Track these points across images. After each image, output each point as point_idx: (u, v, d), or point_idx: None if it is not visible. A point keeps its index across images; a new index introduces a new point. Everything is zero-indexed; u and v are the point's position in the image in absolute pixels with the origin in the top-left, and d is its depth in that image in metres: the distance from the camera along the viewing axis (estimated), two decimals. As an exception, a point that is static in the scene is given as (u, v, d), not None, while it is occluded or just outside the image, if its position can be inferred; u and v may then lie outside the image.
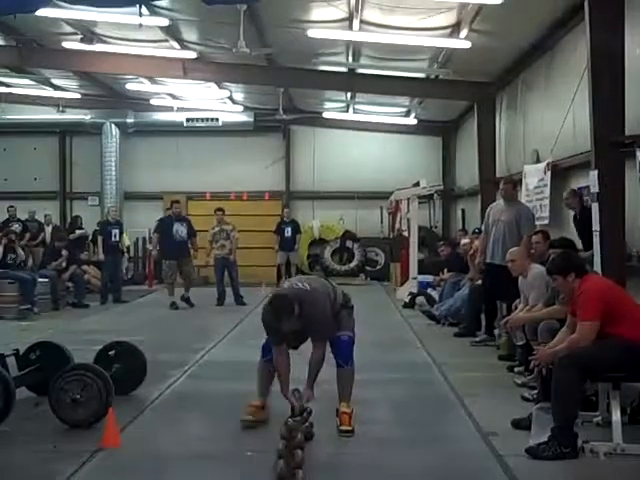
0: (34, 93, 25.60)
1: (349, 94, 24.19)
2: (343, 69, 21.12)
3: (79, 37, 18.27)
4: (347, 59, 19.79)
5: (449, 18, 15.52)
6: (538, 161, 16.41)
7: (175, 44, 18.92)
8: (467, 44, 15.94)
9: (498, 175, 19.37)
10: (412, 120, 27.16)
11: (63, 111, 27.68)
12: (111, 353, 9.18)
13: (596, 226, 11.02)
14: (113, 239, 20.46)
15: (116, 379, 8.09)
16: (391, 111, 26.74)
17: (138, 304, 20.34)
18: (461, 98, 22.29)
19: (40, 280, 18.08)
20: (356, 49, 18.75)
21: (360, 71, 21.03)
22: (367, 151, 28.13)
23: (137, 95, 25.95)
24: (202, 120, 27.32)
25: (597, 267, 10.70)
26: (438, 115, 26.99)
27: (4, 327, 15.62)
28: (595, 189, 11.13)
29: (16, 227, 22.30)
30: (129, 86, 24.30)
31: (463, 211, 26.01)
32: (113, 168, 27.21)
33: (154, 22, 16.46)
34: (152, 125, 27.84)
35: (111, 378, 7.85)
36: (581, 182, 14.04)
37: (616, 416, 6.94)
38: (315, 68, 20.48)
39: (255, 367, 8.15)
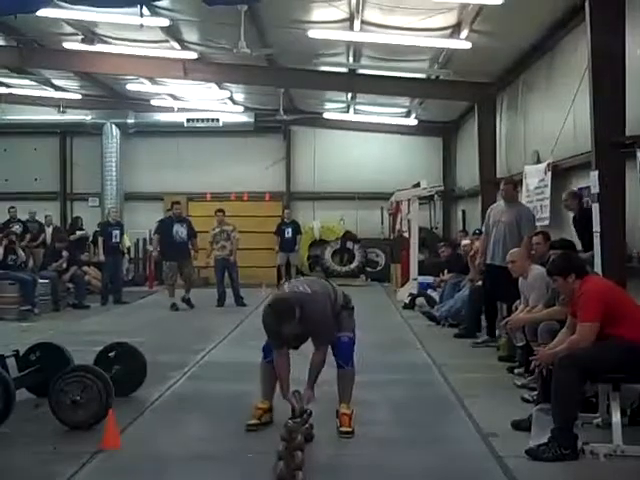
0: (35, 94, 25.61)
1: (350, 95, 24.21)
2: (344, 70, 21.13)
3: (80, 37, 18.27)
4: (348, 60, 19.81)
5: (449, 19, 15.53)
6: (539, 162, 16.40)
7: (176, 44, 18.93)
8: (467, 45, 15.94)
9: (499, 176, 19.36)
10: (412, 121, 27.17)
11: (64, 112, 27.68)
12: (111, 354, 9.17)
13: (597, 227, 11.02)
14: (113, 240, 20.47)
15: (116, 380, 8.08)
16: (391, 112, 26.75)
17: (138, 305, 20.34)
18: (461, 99, 22.30)
19: (40, 281, 18.09)
20: (357, 49, 18.76)
21: (361, 72, 21.03)
22: (367, 152, 28.13)
23: (138, 96, 25.96)
24: (202, 121, 27.34)
25: (597, 268, 10.69)
26: (438, 116, 27.00)
27: (4, 328, 15.62)
28: (596, 190, 11.13)
29: (17, 228, 22.29)
30: (130, 87, 24.31)
31: (464, 212, 26.01)
32: (113, 169, 27.24)
33: (155, 22, 16.47)
34: (153, 126, 27.86)
35: (111, 379, 7.85)
36: (581, 183, 14.04)
37: (616, 417, 6.93)
38: (316, 69, 20.48)
39: (255, 368, 8.15)
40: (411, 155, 28.22)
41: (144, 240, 26.67)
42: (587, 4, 11.50)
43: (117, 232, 20.65)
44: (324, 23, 16.38)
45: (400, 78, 20.68)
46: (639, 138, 11.01)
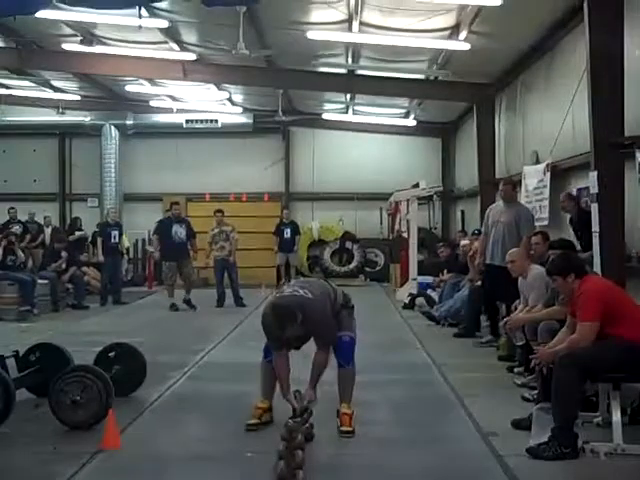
0: (34, 95, 25.61)
1: (348, 95, 24.23)
2: (343, 71, 21.12)
3: (79, 39, 18.27)
4: (347, 61, 19.82)
5: (448, 20, 15.54)
6: (538, 162, 16.42)
7: (175, 46, 18.93)
8: (466, 46, 15.96)
9: (498, 176, 19.38)
10: (411, 121, 27.19)
11: (63, 113, 27.67)
12: (111, 355, 9.17)
13: (596, 227, 11.03)
14: (113, 240, 20.46)
15: (116, 381, 8.08)
16: (390, 112, 26.77)
17: (138, 305, 20.33)
18: (460, 99, 22.32)
19: (40, 282, 18.08)
20: (356, 51, 18.77)
21: (360, 72, 21.02)
22: (366, 152, 28.16)
23: (137, 97, 25.96)
24: (201, 122, 27.38)
25: (597, 268, 10.71)
26: (437, 116, 27.03)
27: (4, 328, 15.61)
28: (595, 190, 11.14)
29: (17, 229, 22.28)
30: (129, 88, 24.32)
31: (462, 212, 26.04)
32: (112, 170, 27.28)
33: (154, 24, 16.47)
34: (152, 127, 27.90)
35: (111, 380, 7.85)
36: (581, 183, 14.06)
37: (616, 416, 6.94)
38: (314, 70, 20.50)
39: (255, 368, 8.15)
40: (410, 156, 28.24)
41: (143, 240, 26.72)
42: (586, 5, 11.52)
43: (116, 233, 20.63)
44: (323, 24, 16.39)
45: (399, 79, 20.72)
46: (638, 139, 11.03)
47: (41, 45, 19.90)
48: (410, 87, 21.43)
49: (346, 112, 27.02)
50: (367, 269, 27.62)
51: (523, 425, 7.46)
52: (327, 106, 26.66)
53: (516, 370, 10.37)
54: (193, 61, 19.73)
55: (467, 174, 23.83)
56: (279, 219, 25.24)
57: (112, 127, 27.23)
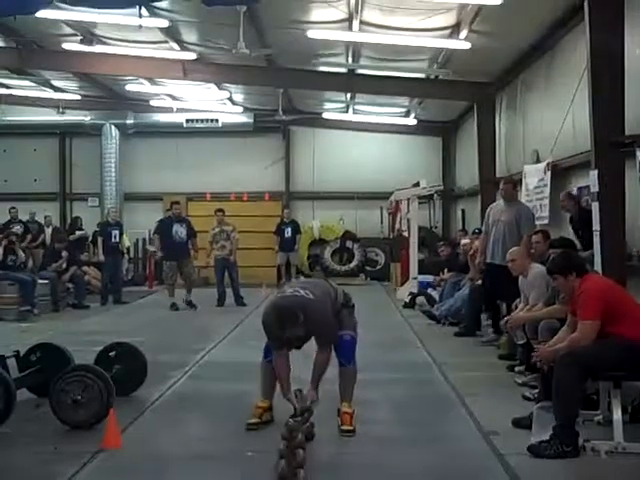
0: (34, 94, 25.62)
1: (349, 95, 24.23)
2: (343, 70, 21.12)
3: (79, 38, 18.27)
4: (347, 60, 19.82)
5: (449, 19, 15.54)
6: (538, 161, 16.42)
7: (175, 45, 18.93)
8: (467, 45, 15.96)
9: (498, 175, 19.39)
10: (412, 120, 27.19)
11: (63, 112, 27.71)
12: (112, 354, 9.17)
13: (596, 226, 11.04)
14: (113, 240, 20.46)
15: (117, 380, 8.08)
16: (391, 111, 26.77)
17: (138, 305, 20.34)
18: (461, 98, 22.31)
19: (40, 281, 18.08)
20: (356, 50, 18.76)
21: (360, 72, 21.03)
22: (367, 151, 28.15)
23: (137, 96, 25.97)
24: (202, 121, 27.38)
25: (597, 267, 10.72)
26: (438, 115, 27.02)
27: (4, 329, 15.60)
28: (595, 189, 11.14)
29: (17, 229, 22.28)
30: (129, 87, 24.32)
31: (463, 211, 26.05)
32: (113, 169, 27.29)
33: (154, 23, 16.48)
34: (152, 126, 27.90)
35: (112, 379, 7.85)
36: (581, 182, 14.07)
37: (617, 415, 6.94)
38: (315, 69, 20.50)
39: (255, 368, 8.14)
40: (410, 155, 28.23)
41: (144, 240, 26.73)
42: (586, 4, 11.52)
43: (116, 232, 20.64)
44: (323, 23, 16.39)
45: (399, 78, 20.70)
46: (638, 137, 11.04)
47: (41, 45, 19.90)
48: (410, 86, 21.43)
49: (346, 111, 27.01)
50: (368, 268, 27.62)
51: (524, 424, 7.46)
52: (327, 105, 26.65)
53: (517, 369, 10.37)
54: (193, 60, 19.73)
55: (468, 173, 23.84)
56: (280, 218, 25.31)
57: (112, 126, 27.24)
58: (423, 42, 16.67)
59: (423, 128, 27.93)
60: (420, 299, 18.69)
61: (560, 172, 15.24)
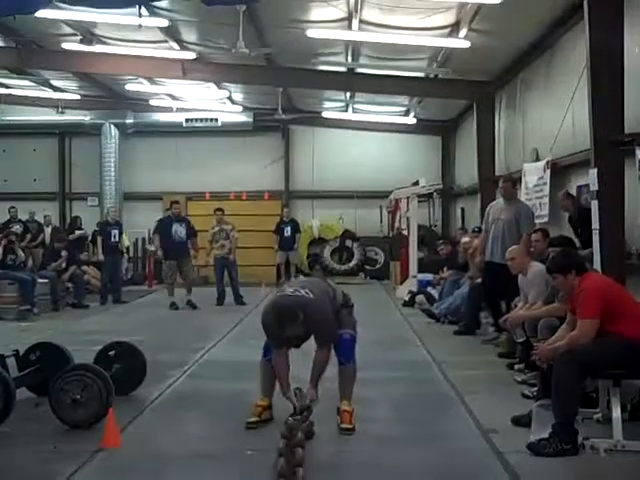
0: (34, 94, 25.62)
1: (348, 94, 24.21)
2: (342, 69, 21.13)
3: (78, 38, 18.27)
4: (346, 59, 19.80)
5: (448, 18, 15.54)
6: (538, 159, 16.42)
7: (174, 45, 18.94)
8: (466, 43, 15.96)
9: (497, 174, 19.37)
10: (411, 119, 27.20)
11: (62, 112, 27.71)
12: (111, 353, 9.18)
13: (596, 224, 11.03)
14: (113, 239, 20.46)
15: (116, 379, 8.08)
16: (390, 110, 26.77)
17: (138, 304, 20.34)
18: (460, 97, 22.31)
19: (40, 281, 18.08)
20: (355, 49, 18.76)
21: (359, 71, 21.03)
22: (366, 150, 28.17)
23: (136, 96, 25.96)
24: (201, 120, 27.38)
25: (597, 265, 10.71)
26: (437, 114, 27.02)
27: (4, 328, 15.60)
28: (595, 187, 11.14)
29: (17, 228, 22.30)
30: (128, 87, 24.31)
31: (462, 210, 26.04)
32: (112, 169, 27.29)
33: (153, 23, 16.48)
34: (151, 126, 27.89)
35: (111, 378, 7.85)
36: (580, 180, 14.07)
37: (616, 413, 6.94)
38: (314, 68, 20.49)
39: (255, 366, 8.14)
40: (410, 153, 28.24)
41: (143, 239, 26.75)
42: (585, 2, 11.51)
43: (116, 232, 20.63)
44: (323, 22, 16.38)
45: (399, 77, 20.69)
46: (638, 136, 11.04)
47: (41, 44, 19.89)
48: (410, 85, 21.41)
49: (346, 110, 27.00)
50: (367, 267, 27.63)
51: (523, 422, 7.47)
52: (327, 104, 26.65)
53: (516, 367, 10.37)
54: (193, 60, 19.72)
55: (467, 172, 23.83)
56: (279, 217, 25.31)
57: (112, 126, 27.24)
58: (423, 41, 16.67)
59: (422, 127, 27.94)
60: (420, 298, 18.68)
61: (560, 170, 15.24)
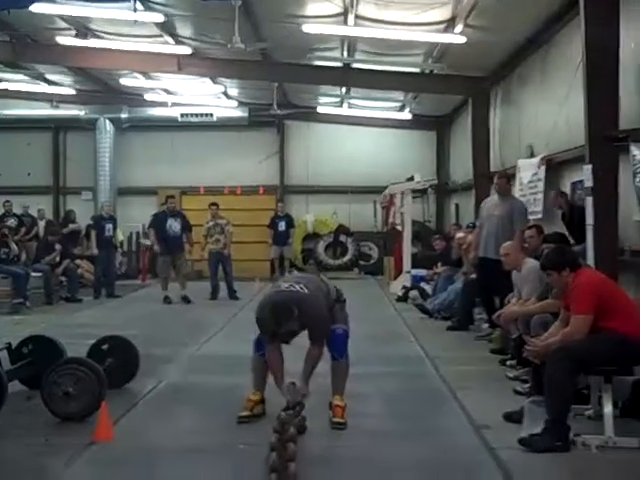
0: (28, 89, 25.53)
1: (344, 89, 24.21)
2: (338, 64, 21.09)
3: (73, 32, 18.26)
4: (342, 54, 19.80)
5: (444, 13, 15.54)
6: (532, 155, 16.42)
7: (170, 39, 18.92)
8: (462, 39, 15.95)
9: (492, 169, 19.37)
10: (406, 115, 27.18)
11: (57, 106, 27.63)
12: (104, 347, 9.18)
13: (590, 220, 11.03)
14: (107, 234, 20.44)
15: (109, 373, 8.10)
16: (385, 106, 26.75)
17: (131, 298, 20.34)
18: (456, 93, 22.31)
19: (33, 274, 18.08)
20: (351, 44, 18.75)
21: (355, 66, 21.00)
22: (361, 146, 28.17)
23: (131, 90, 25.92)
24: (196, 115, 27.31)
25: (590, 261, 10.71)
26: (432, 110, 27.02)
27: (-3, 321, 15.62)
28: (589, 183, 11.13)
29: (12, 222, 22.27)
30: (123, 81, 24.23)
31: (457, 205, 26.04)
32: (107, 163, 27.21)
33: (149, 18, 16.45)
34: (147, 120, 27.82)
35: (104, 372, 7.85)
36: (575, 176, 14.08)
37: (608, 409, 6.95)
38: (310, 63, 20.43)
39: (248, 361, 8.13)
40: (405, 149, 28.23)
41: (137, 234, 26.74)
42: (581, -3, 11.51)
43: (110, 226, 20.62)
44: (318, 18, 16.37)
45: (394, 72, 20.69)
46: (633, 132, 11.05)
47: (35, 39, 19.82)
48: (405, 80, 21.39)
49: (341, 105, 27.01)
50: (361, 262, 27.67)
51: (515, 418, 7.46)
52: (322, 99, 26.66)
53: (508, 363, 10.37)
54: (188, 55, 19.68)
55: (462, 167, 23.84)
56: (274, 212, 25.33)
57: (107, 121, 27.15)
58: (418, 36, 16.68)
59: (418, 122, 27.94)
60: (413, 293, 18.69)
61: (554, 166, 15.25)
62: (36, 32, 19.20)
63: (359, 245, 27.62)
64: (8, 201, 23.81)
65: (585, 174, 11.30)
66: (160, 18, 16.44)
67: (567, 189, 14.58)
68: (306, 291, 7.59)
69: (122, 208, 26.80)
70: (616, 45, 11.08)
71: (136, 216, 26.33)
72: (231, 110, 27.53)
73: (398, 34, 16.50)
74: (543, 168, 15.29)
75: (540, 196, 15.27)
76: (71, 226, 23.78)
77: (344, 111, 27.31)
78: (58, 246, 19.63)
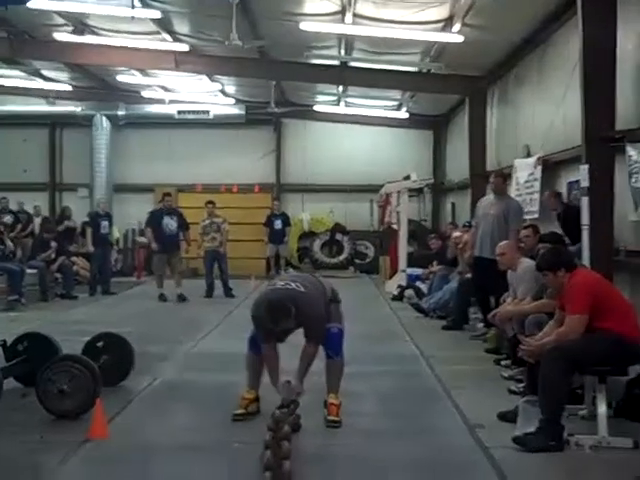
0: (24, 85, 25.46)
1: (341, 87, 24.19)
2: (335, 62, 21.07)
3: (70, 29, 18.24)
4: (339, 52, 19.79)
5: (442, 12, 15.53)
6: (529, 155, 16.42)
7: (167, 36, 18.90)
8: (460, 38, 15.93)
9: (488, 169, 19.38)
10: (403, 114, 27.17)
11: (53, 103, 27.59)
12: (99, 344, 9.18)
13: (585, 220, 11.03)
14: (102, 231, 20.43)
15: (104, 370, 8.11)
16: (383, 104, 26.75)
17: (126, 296, 20.34)
18: (453, 92, 22.31)
19: (29, 271, 18.07)
20: (348, 42, 18.74)
21: (352, 64, 20.98)
22: (358, 144, 28.17)
23: (128, 87, 25.88)
24: (193, 113, 27.31)
25: (585, 261, 10.70)
26: (429, 109, 27.02)
27: (-8, 318, 15.60)
28: (585, 184, 11.12)
29: (8, 219, 22.26)
30: (120, 78, 24.18)
31: (453, 205, 26.03)
32: (103, 160, 27.18)
33: (146, 14, 16.42)
34: (143, 117, 27.80)
35: (99, 369, 7.85)
36: (571, 176, 14.08)
37: (602, 409, 6.96)
38: (307, 61, 20.41)
39: (243, 358, 8.13)
40: (402, 148, 28.23)
41: (133, 231, 26.73)
42: (579, -3, 11.52)
43: (106, 223, 20.63)
44: (316, 16, 16.35)
45: (392, 71, 20.69)
46: (629, 132, 11.04)
47: (33, 35, 19.77)
48: (403, 79, 21.39)
49: (338, 104, 27.00)
50: (357, 261, 27.69)
51: (509, 417, 7.48)
52: (319, 98, 26.63)
53: (503, 363, 10.40)
54: (185, 52, 19.63)
55: (458, 166, 23.82)
56: (270, 210, 25.33)
57: (103, 117, 27.14)
58: (416, 35, 16.63)
59: (414, 121, 27.94)
60: (409, 292, 18.72)
61: (550, 166, 15.24)
62: (33, 28, 19.17)
63: (355, 244, 27.66)
64: (4, 197, 23.80)
65: (581, 174, 11.28)
66: (157, 15, 16.42)
67: (563, 189, 14.59)
68: (302, 289, 7.60)
69: (118, 205, 26.77)
70: (613, 45, 11.08)
71: (132, 213, 26.35)
72: (228, 108, 27.52)
73: (396, 33, 16.48)
74: (539, 168, 15.28)
75: (536, 196, 15.27)
76: (66, 223, 23.74)
77: (341, 109, 27.31)
78: (54, 243, 19.61)
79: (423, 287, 17.95)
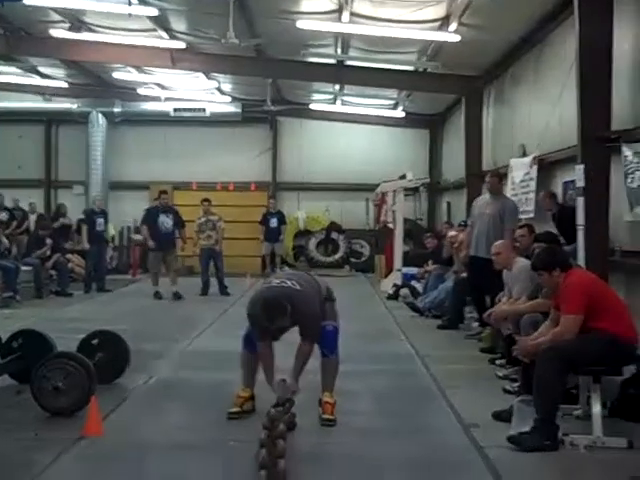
0: (20, 81, 25.43)
1: (337, 86, 24.17)
2: (332, 61, 21.08)
3: (67, 26, 18.21)
4: (336, 51, 19.76)
5: (439, 11, 15.53)
6: (525, 155, 16.42)
7: (164, 34, 18.88)
8: (456, 37, 15.94)
9: (484, 168, 19.38)
10: (400, 113, 27.17)
11: (49, 99, 27.55)
12: (94, 342, 9.18)
13: (581, 220, 11.05)
14: (98, 228, 20.39)
15: (99, 368, 8.10)
16: (379, 103, 26.75)
17: (122, 293, 20.31)
18: (449, 91, 22.30)
19: (24, 268, 18.03)
20: (345, 41, 18.73)
21: (349, 63, 20.98)
22: (354, 143, 28.14)
23: (124, 84, 25.86)
24: (190, 110, 27.27)
25: (581, 262, 10.72)
26: (426, 108, 27.00)
27: (-13, 315, 15.59)
28: (581, 183, 11.14)
29: (3, 215, 22.23)
30: (116, 75, 24.14)
31: (449, 204, 26.03)
32: (99, 157, 27.09)
33: (143, 11, 16.37)
34: (139, 115, 27.74)
35: (94, 367, 7.85)
36: (567, 176, 14.09)
37: (596, 409, 6.98)
38: (304, 59, 20.43)
39: (238, 356, 8.13)
40: (398, 147, 28.21)
41: (129, 228, 26.72)
42: (575, -3, 11.52)
43: (101, 220, 20.56)
44: (313, 14, 16.35)
45: (388, 70, 20.66)
46: (625, 133, 11.06)
47: (29, 32, 19.74)
48: (399, 78, 21.39)
49: (334, 102, 26.98)
50: (352, 260, 27.68)
51: (504, 417, 7.49)
52: (315, 96, 26.61)
53: (498, 362, 10.41)
54: (182, 49, 19.63)
55: (454, 166, 23.83)
56: (265, 208, 25.33)
57: (99, 114, 27.03)
58: (413, 34, 16.63)
59: (411, 120, 27.92)
60: (404, 291, 18.70)
61: (546, 166, 15.25)
62: (30, 25, 19.14)
63: (350, 242, 27.66)
64: (0, 194, 23.77)
65: (577, 174, 11.31)
66: (154, 12, 16.39)
67: (559, 189, 14.61)
68: (298, 287, 7.59)
69: (114, 202, 26.70)
70: (609, 45, 11.08)
71: (128, 211, 26.33)
72: (224, 106, 27.48)
73: (392, 32, 16.48)
74: (535, 168, 15.28)
75: (532, 195, 15.27)
76: (62, 220, 23.72)
77: (337, 108, 27.28)
78: (49, 240, 19.59)
79: (418, 286, 17.94)
